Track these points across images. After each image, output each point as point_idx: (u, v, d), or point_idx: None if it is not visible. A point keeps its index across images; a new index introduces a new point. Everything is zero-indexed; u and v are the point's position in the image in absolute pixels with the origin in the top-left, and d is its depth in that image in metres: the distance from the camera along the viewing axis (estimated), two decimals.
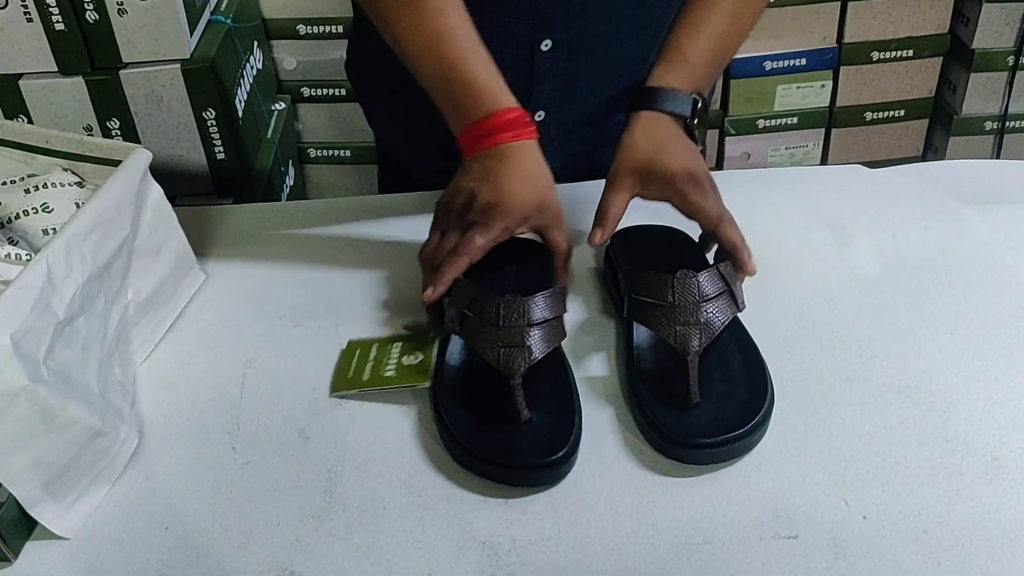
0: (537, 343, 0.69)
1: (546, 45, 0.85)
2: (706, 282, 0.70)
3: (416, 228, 0.91)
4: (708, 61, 0.84)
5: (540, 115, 0.91)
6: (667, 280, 0.70)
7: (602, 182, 0.83)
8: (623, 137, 0.82)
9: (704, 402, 0.68)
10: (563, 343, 0.72)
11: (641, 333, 0.75)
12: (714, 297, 0.70)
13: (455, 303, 0.72)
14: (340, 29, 1.84)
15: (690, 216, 0.79)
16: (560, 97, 0.90)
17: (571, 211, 0.92)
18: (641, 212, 0.83)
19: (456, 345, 0.75)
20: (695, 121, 0.83)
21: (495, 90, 0.75)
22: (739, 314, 0.72)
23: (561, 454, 0.65)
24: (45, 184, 0.79)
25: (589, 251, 0.88)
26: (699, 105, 0.83)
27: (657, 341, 0.74)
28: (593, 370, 0.75)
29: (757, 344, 0.73)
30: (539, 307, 0.70)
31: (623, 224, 0.83)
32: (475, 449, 0.67)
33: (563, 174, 0.95)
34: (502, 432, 0.67)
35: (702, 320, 0.69)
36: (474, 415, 0.69)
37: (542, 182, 0.76)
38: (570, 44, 0.85)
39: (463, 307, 0.71)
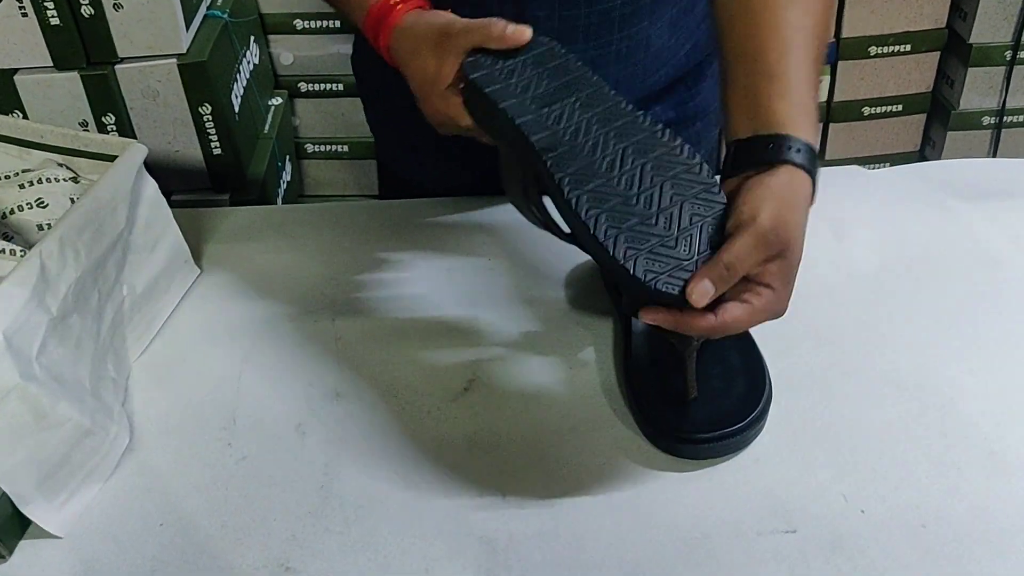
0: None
1: None
2: None
3: (414, 231, 0.91)
4: (815, 94, 0.65)
5: None
6: None
7: None
8: (773, 189, 0.60)
9: (702, 397, 0.68)
10: (562, 339, 0.71)
11: (639, 328, 0.75)
12: None
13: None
14: (337, 24, 1.84)
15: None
16: None
17: None
18: None
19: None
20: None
21: None
22: None
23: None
24: (40, 179, 0.78)
25: None
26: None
27: (655, 336, 0.73)
28: (591, 365, 0.75)
29: (755, 338, 0.73)
30: None
31: None
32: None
33: None
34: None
35: None
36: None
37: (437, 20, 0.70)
38: None
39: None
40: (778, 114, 0.62)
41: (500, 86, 0.65)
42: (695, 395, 0.67)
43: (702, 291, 0.56)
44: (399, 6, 0.71)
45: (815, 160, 0.62)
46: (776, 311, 0.60)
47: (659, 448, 0.68)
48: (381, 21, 0.71)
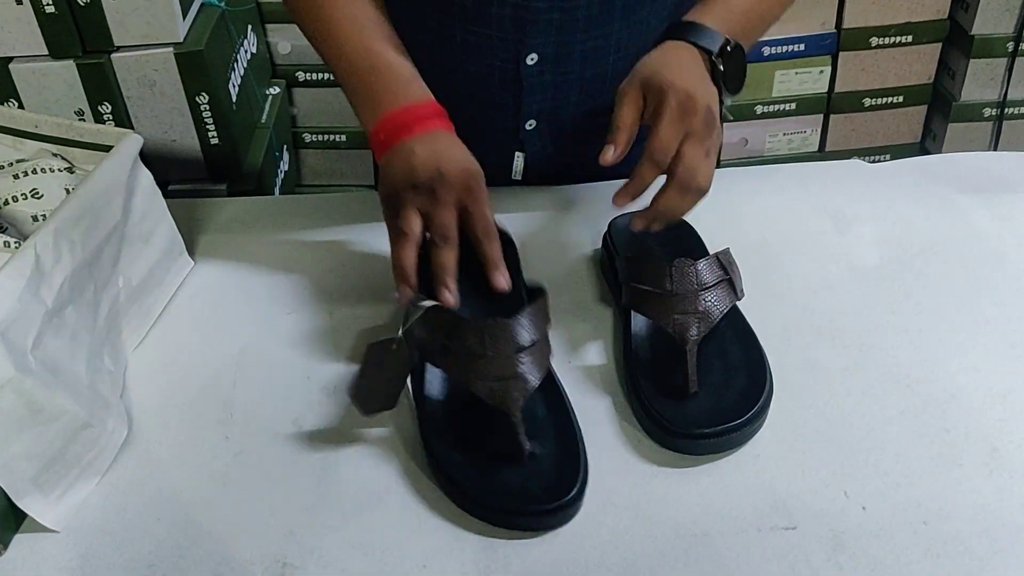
0: (530, 370, 0.63)
1: (531, 59, 0.84)
2: (705, 270, 0.70)
3: None
4: (746, 9, 0.79)
5: (531, 124, 0.90)
6: (665, 268, 0.69)
7: (595, 185, 0.82)
8: (644, 60, 0.74)
9: (703, 392, 0.67)
10: (561, 332, 0.71)
11: (639, 322, 0.74)
12: (713, 286, 0.69)
13: (431, 332, 0.65)
14: None
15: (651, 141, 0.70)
16: (550, 108, 0.89)
17: (563, 213, 0.92)
18: (640, 201, 0.82)
19: (434, 374, 0.70)
20: (722, 62, 0.75)
21: (412, 82, 0.74)
22: (738, 303, 0.72)
23: (572, 494, 0.61)
24: (35, 169, 0.77)
25: (587, 238, 0.87)
26: (728, 46, 0.75)
27: (655, 330, 0.73)
28: (590, 359, 0.75)
29: (756, 333, 0.73)
30: (526, 329, 0.64)
31: (622, 213, 0.82)
32: (481, 496, 0.62)
33: (556, 181, 0.95)
34: (505, 473, 0.63)
35: (701, 309, 0.68)
36: (469, 455, 0.64)
37: (466, 153, 0.72)
38: (556, 58, 0.84)
39: (443, 337, 0.64)
40: (688, 16, 0.77)
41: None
42: (696, 390, 0.67)
43: (611, 153, 0.71)
44: (430, 121, 0.72)
45: (710, 38, 0.74)
46: (675, 145, 0.69)
47: (659, 443, 0.67)
48: (403, 127, 0.71)
